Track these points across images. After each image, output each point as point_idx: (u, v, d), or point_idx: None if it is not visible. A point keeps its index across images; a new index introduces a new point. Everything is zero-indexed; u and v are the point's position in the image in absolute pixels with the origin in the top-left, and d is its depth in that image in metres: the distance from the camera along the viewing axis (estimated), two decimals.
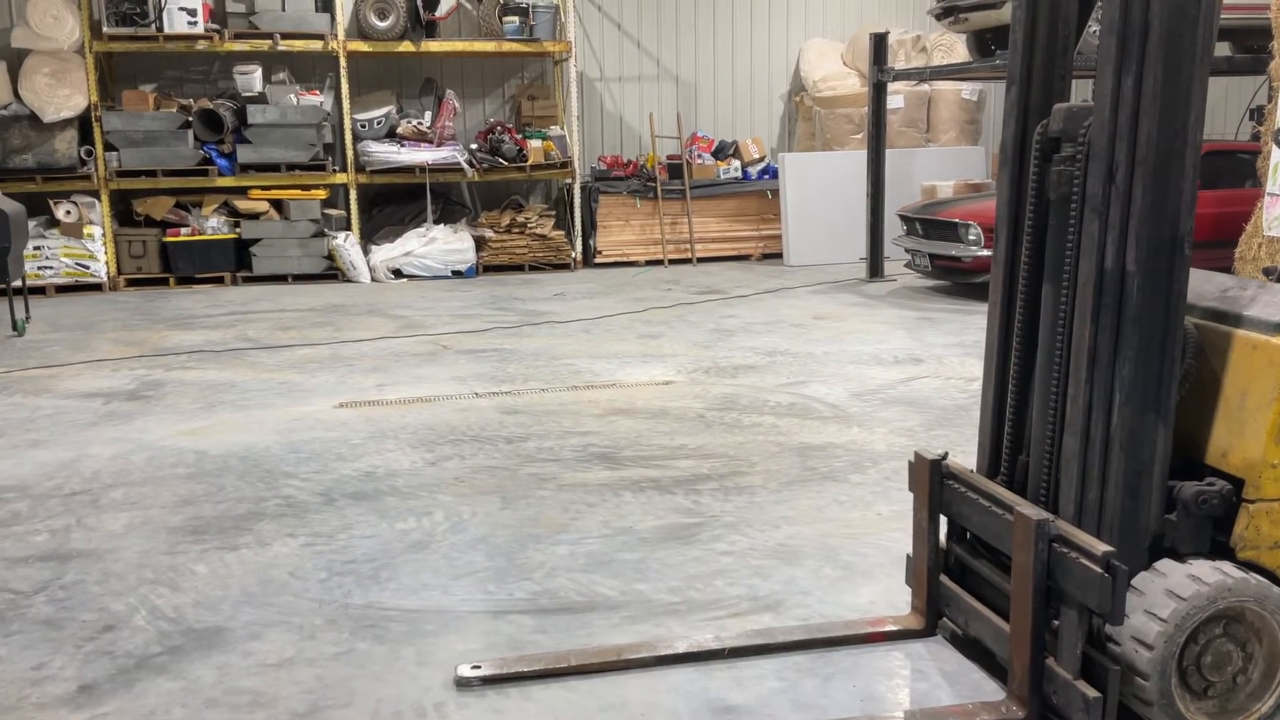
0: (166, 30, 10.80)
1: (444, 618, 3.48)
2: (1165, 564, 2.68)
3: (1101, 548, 2.57)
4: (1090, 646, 2.68)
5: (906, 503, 3.51)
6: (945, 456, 3.19)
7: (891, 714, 2.91)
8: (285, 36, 11.22)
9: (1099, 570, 2.54)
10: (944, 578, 3.25)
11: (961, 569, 3.25)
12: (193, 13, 10.81)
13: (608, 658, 3.16)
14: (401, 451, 5.32)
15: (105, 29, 10.71)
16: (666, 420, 5.85)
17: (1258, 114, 9.74)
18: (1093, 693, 2.60)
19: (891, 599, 3.56)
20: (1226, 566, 2.63)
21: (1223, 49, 10.02)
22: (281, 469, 5.07)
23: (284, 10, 11.24)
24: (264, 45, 11.21)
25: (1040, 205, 2.99)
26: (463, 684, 3.05)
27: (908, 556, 3.36)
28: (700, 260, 12.59)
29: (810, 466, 5.01)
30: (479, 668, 3.10)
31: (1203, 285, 2.97)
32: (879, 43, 10.63)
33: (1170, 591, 2.59)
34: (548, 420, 5.86)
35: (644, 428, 5.70)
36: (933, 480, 3.18)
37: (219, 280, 11.31)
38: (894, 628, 3.31)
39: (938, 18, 10.34)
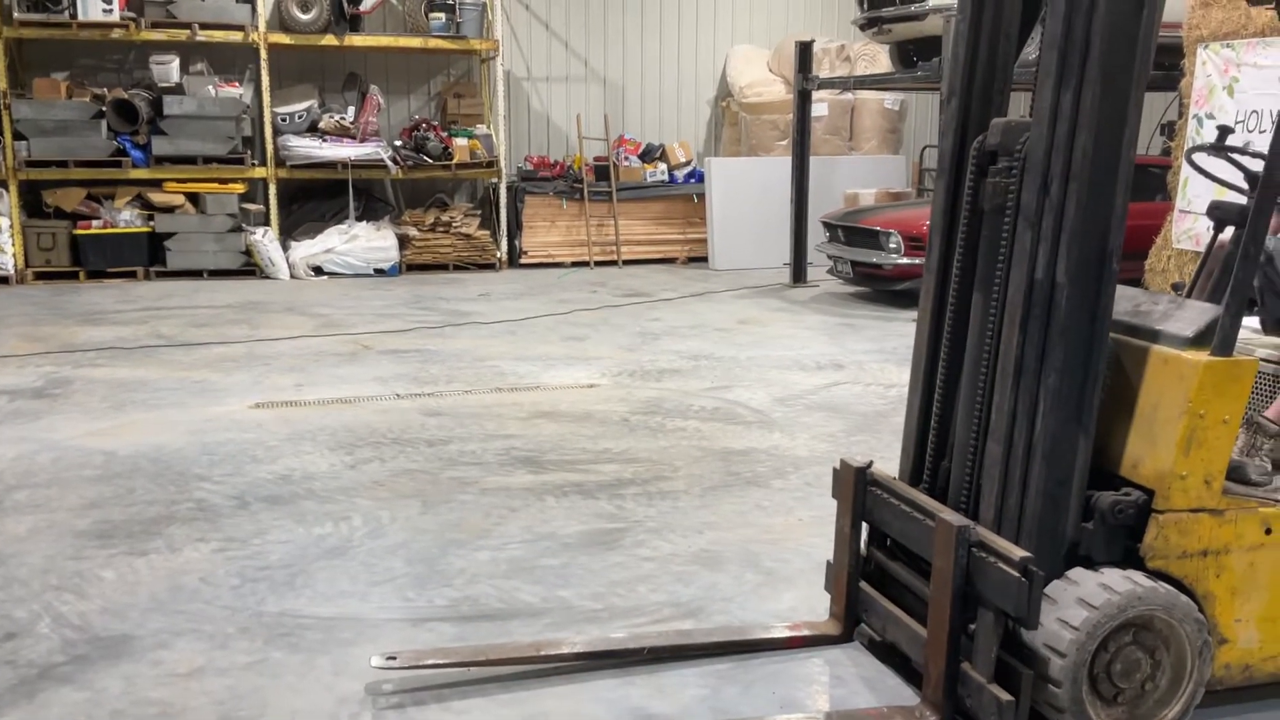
0: (81, 17, 10.46)
1: (361, 626, 3.41)
2: (1078, 572, 2.73)
3: (1019, 553, 2.61)
4: (1004, 651, 2.72)
5: (828, 508, 3.53)
6: (870, 465, 3.22)
7: (811, 717, 2.93)
8: (204, 27, 10.95)
9: (1016, 575, 2.58)
10: (863, 584, 3.27)
11: (881, 575, 3.28)
12: (108, 0, 10.50)
13: (525, 653, 3.14)
14: (319, 454, 5.22)
15: (16, 14, 10.35)
16: (590, 424, 5.82)
17: (1168, 129, 10.03)
18: (1006, 696, 2.64)
19: (812, 605, 3.58)
20: (1137, 575, 2.69)
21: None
22: (194, 471, 4.94)
23: (203, 0, 10.98)
24: (182, 35, 10.93)
25: (974, 216, 3.03)
26: (373, 691, 2.99)
27: (828, 562, 3.38)
28: (626, 263, 12.58)
29: (733, 471, 5.03)
30: (394, 658, 3.06)
31: (1119, 299, 3.03)
32: (804, 51, 10.73)
33: (1082, 600, 2.64)
34: (471, 423, 5.80)
35: (568, 431, 5.67)
36: (857, 487, 3.20)
37: (132, 275, 10.99)
38: (812, 633, 3.33)
39: (862, 28, 10.47)
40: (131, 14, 10.83)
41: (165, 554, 3.99)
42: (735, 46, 13.63)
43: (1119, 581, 2.66)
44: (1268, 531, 2.78)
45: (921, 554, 2.95)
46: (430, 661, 3.08)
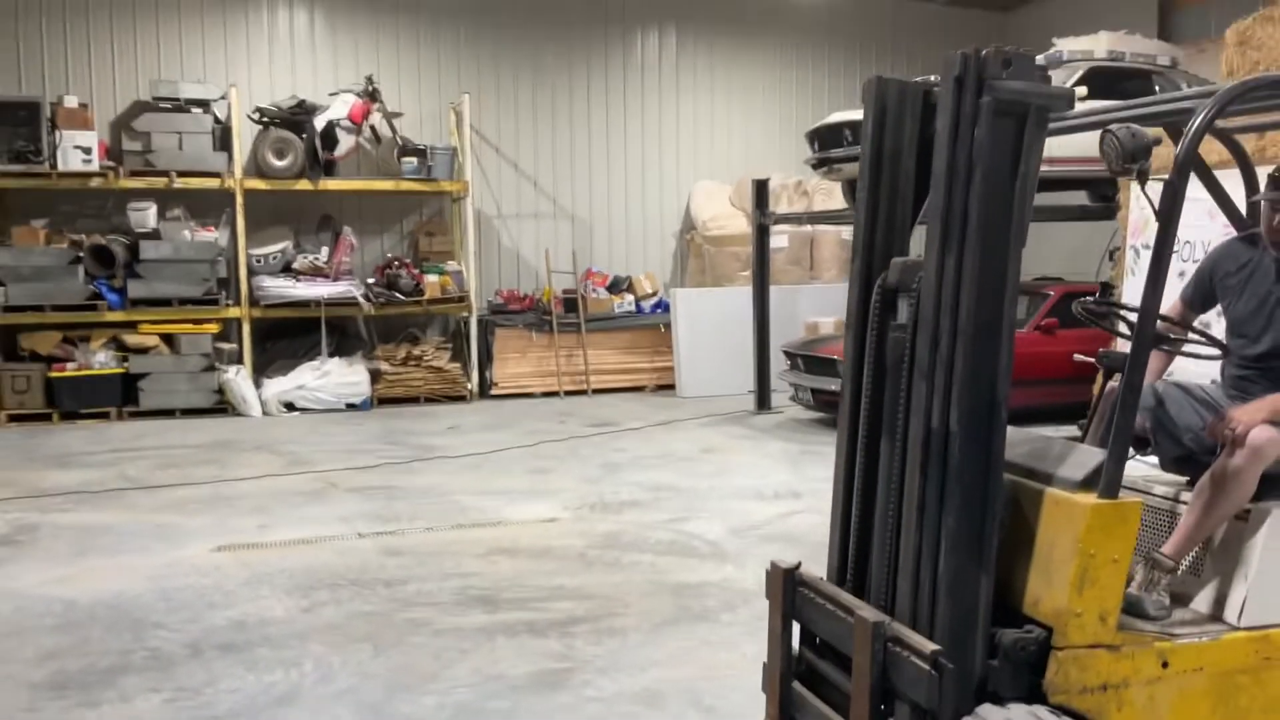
0: (60, 168, 10.84)
1: None
2: (985, 708, 2.83)
3: (930, 647, 2.73)
4: None
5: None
6: (799, 566, 3.35)
7: None
8: (182, 174, 11.33)
9: (927, 668, 2.70)
10: (796, 684, 3.35)
11: (812, 674, 3.36)
12: (88, 150, 10.89)
13: None
14: (276, 598, 5.30)
15: None
16: (548, 560, 5.92)
17: (1114, 255, 10.42)
18: None
19: None
20: (1042, 711, 2.80)
21: (1081, 197, 10.74)
22: (151, 619, 5.00)
23: (181, 149, 11.38)
24: (160, 183, 11.30)
25: (879, 366, 3.22)
26: None
27: (764, 664, 3.47)
28: (596, 391, 12.79)
29: (684, 605, 5.13)
30: None
31: (1019, 443, 3.21)
32: (760, 188, 11.16)
33: None
34: (430, 561, 5.90)
35: (525, 568, 5.77)
36: (786, 588, 3.32)
37: (105, 415, 11.11)
38: None
39: (814, 167, 10.91)
40: (111, 163, 11.21)
41: (117, 704, 4.04)
42: (698, 182, 14.12)
43: (1023, 717, 2.77)
44: (1164, 665, 2.90)
45: (845, 651, 3.05)
46: None
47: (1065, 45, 10.57)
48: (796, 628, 3.33)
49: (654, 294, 13.38)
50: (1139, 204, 8.64)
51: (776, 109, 14.61)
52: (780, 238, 12.65)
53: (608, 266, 13.74)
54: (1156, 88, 10.21)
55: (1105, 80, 9.99)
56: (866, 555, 3.25)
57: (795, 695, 3.33)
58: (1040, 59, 10.05)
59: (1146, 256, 8.73)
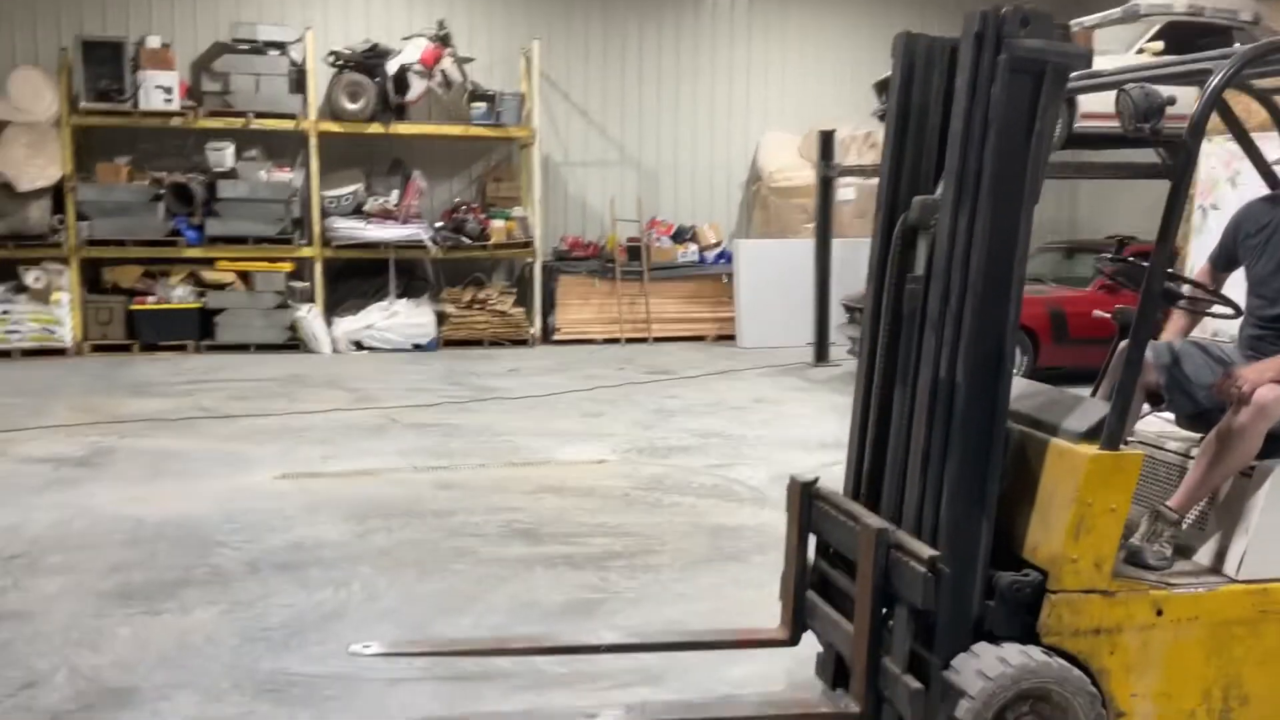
0: (142, 106, 11.20)
1: (343, 684, 3.72)
2: (980, 646, 2.96)
3: (928, 552, 2.89)
4: (919, 645, 2.97)
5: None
6: (816, 480, 3.50)
7: (744, 699, 3.18)
8: (259, 115, 11.65)
9: (924, 571, 2.86)
10: (810, 593, 3.52)
11: (825, 584, 3.52)
12: (169, 90, 11.23)
13: (488, 646, 3.66)
14: (332, 523, 5.57)
15: (83, 104, 11.11)
16: (592, 499, 6.12)
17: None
18: (916, 685, 2.89)
19: (765, 674, 3.81)
20: (1033, 650, 2.92)
21: (1154, 155, 10.54)
22: (214, 538, 5.31)
23: (258, 90, 11.68)
24: (237, 123, 11.63)
25: (896, 314, 3.33)
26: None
27: (782, 575, 3.63)
28: (657, 340, 12.95)
29: (718, 547, 5.29)
30: (369, 646, 3.49)
31: (1030, 395, 3.30)
32: (826, 140, 11.13)
33: (980, 671, 2.88)
34: (479, 496, 6.13)
35: (569, 505, 5.98)
36: (803, 501, 3.48)
37: (182, 348, 11.56)
38: (761, 637, 3.60)
39: (880, 119, 10.82)
40: (191, 103, 11.56)
41: (177, 614, 4.34)
42: (767, 133, 14.08)
43: (1015, 655, 2.89)
44: (1159, 613, 3.00)
45: (853, 558, 3.21)
46: (401, 650, 3.53)
47: None
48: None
49: (718, 244, 13.44)
50: (1208, 164, 8.50)
51: (849, 59, 14.44)
52: (848, 190, 12.60)
53: (673, 216, 13.82)
54: (1237, 44, 9.94)
55: (1184, 35, 9.76)
56: (879, 487, 3.39)
57: (808, 603, 3.49)
58: (1117, 12, 9.90)
59: (1214, 216, 8.64)
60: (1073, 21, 10.61)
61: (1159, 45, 9.48)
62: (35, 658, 3.91)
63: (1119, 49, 9.68)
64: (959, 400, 2.96)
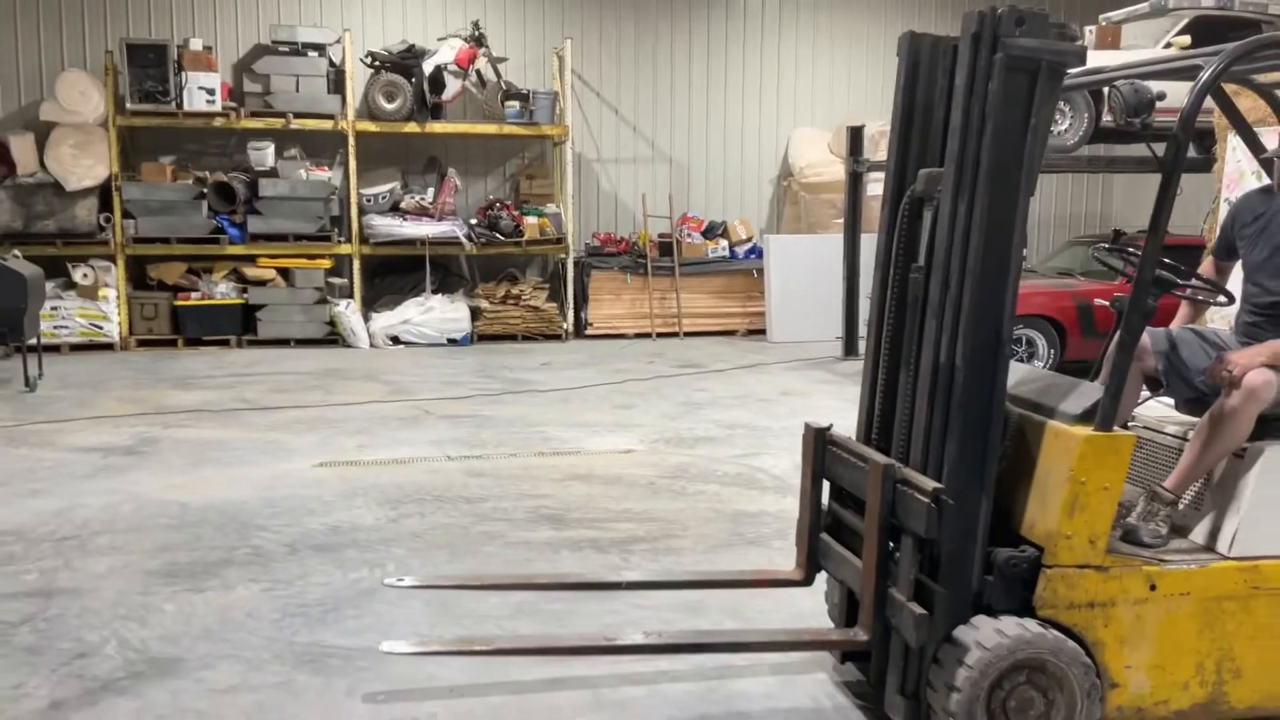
0: (186, 107, 11.50)
1: (377, 656, 3.89)
2: (979, 619, 3.10)
3: (931, 485, 3.05)
4: (923, 575, 3.13)
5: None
6: (830, 427, 3.65)
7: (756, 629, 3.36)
8: (298, 116, 11.92)
9: (927, 502, 3.02)
10: (824, 535, 3.67)
11: (838, 526, 3.68)
12: (211, 91, 11.52)
13: (516, 580, 3.90)
14: (368, 508, 5.78)
15: (129, 105, 11.43)
16: (619, 486, 6.29)
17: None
18: (920, 610, 3.05)
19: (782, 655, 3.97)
20: (1029, 623, 3.06)
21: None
22: (255, 522, 5.53)
23: (298, 91, 11.95)
24: (278, 123, 11.91)
25: (901, 303, 3.48)
26: (369, 700, 3.49)
27: (797, 518, 3.78)
28: (687, 334, 13.10)
29: (739, 532, 5.44)
30: (403, 579, 3.85)
31: (1031, 380, 3.43)
32: (855, 135, 11.23)
33: (977, 642, 3.02)
34: (509, 483, 6.32)
35: (596, 493, 6.15)
36: (817, 446, 3.64)
37: (225, 343, 11.87)
38: (777, 577, 3.78)
39: None
40: (232, 104, 11.86)
41: (220, 591, 4.56)
42: (797, 128, 14.19)
43: (1011, 627, 3.03)
44: (1152, 588, 3.12)
45: (862, 496, 3.36)
46: (434, 583, 3.92)
47: None
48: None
49: (749, 239, 13.57)
50: (1234, 157, 8.53)
51: (880, 56, 14.51)
52: (878, 185, 12.66)
53: (704, 211, 13.96)
54: None
55: (1212, 29, 9.77)
56: (888, 440, 3.54)
57: (821, 544, 3.65)
58: (1145, 6, 9.93)
59: None
60: (1101, 16, 10.66)
61: (1186, 40, 9.51)
62: (86, 631, 4.13)
63: (1147, 43, 9.72)
64: (958, 382, 3.10)
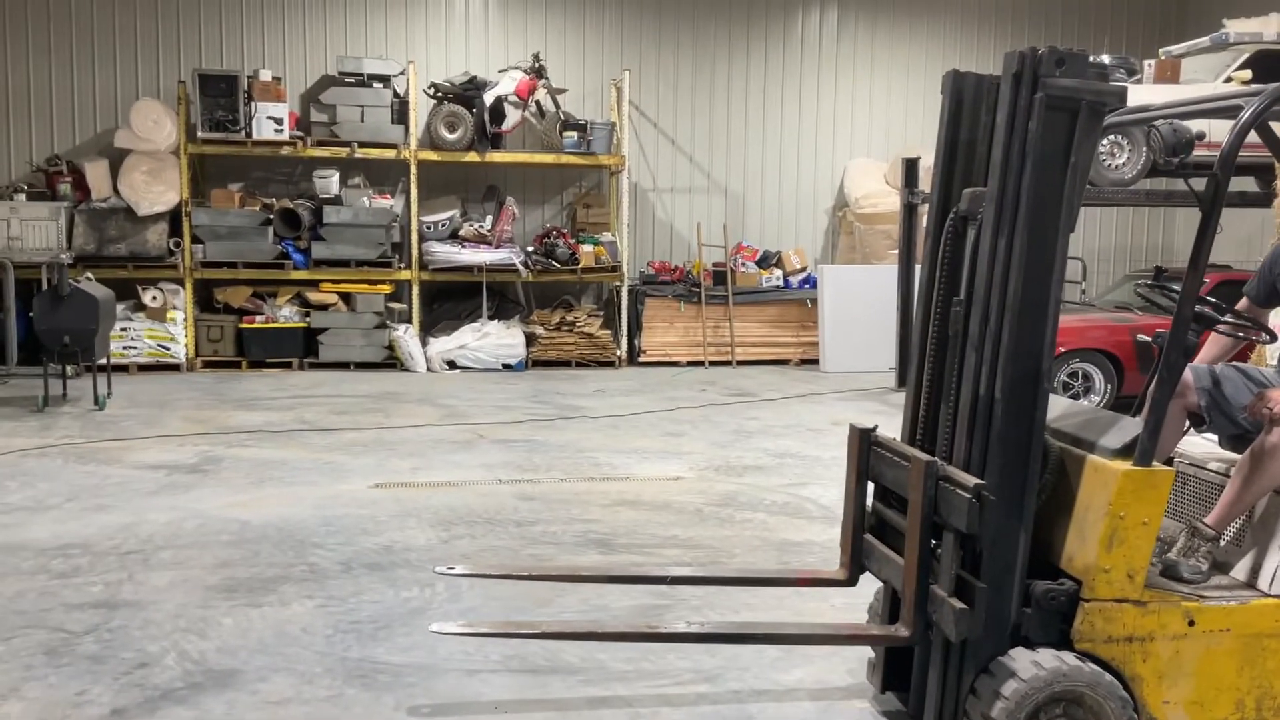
0: (255, 136, 11.85)
1: (425, 673, 4.02)
2: (1017, 651, 3.13)
3: (973, 481, 3.08)
4: (964, 571, 3.16)
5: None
6: (875, 428, 3.70)
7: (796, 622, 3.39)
8: (362, 145, 12.22)
9: (969, 498, 3.05)
10: (868, 535, 3.70)
11: (882, 526, 3.71)
12: (279, 121, 11.86)
13: (561, 573, 4.01)
14: (420, 529, 5.91)
15: (200, 134, 11.79)
16: (666, 513, 6.36)
17: None
18: (961, 605, 3.08)
19: (821, 679, 4.01)
20: (1066, 655, 3.08)
21: (1248, 183, 10.48)
22: (312, 540, 5.68)
23: (363, 121, 12.25)
24: (343, 152, 12.21)
25: (941, 335, 3.53)
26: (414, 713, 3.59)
27: (842, 519, 3.81)
28: (740, 363, 13.16)
29: (784, 560, 5.47)
30: (453, 568, 3.91)
31: (1072, 414, 3.46)
32: (910, 167, 11.26)
33: (1015, 674, 3.05)
34: (558, 508, 6.42)
35: (644, 518, 6.23)
36: (862, 447, 3.68)
37: (287, 365, 12.15)
38: (822, 577, 3.83)
39: None
40: (299, 133, 12.19)
41: (276, 607, 4.70)
42: (853, 159, 14.24)
43: (1048, 659, 3.05)
44: (1191, 623, 3.13)
45: (905, 495, 3.39)
46: (481, 573, 4.05)
47: (1234, 27, 10.26)
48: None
49: (803, 269, 13.62)
50: None
51: (937, 88, 14.42)
52: None
53: (758, 241, 14.04)
54: None
55: (1274, 64, 9.69)
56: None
57: (865, 544, 3.68)
58: (1206, 40, 9.88)
59: None
60: (1161, 50, 10.61)
61: (1247, 74, 9.44)
62: (147, 642, 4.29)
63: (1207, 77, 9.66)
64: (997, 416, 3.14)
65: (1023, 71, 3.13)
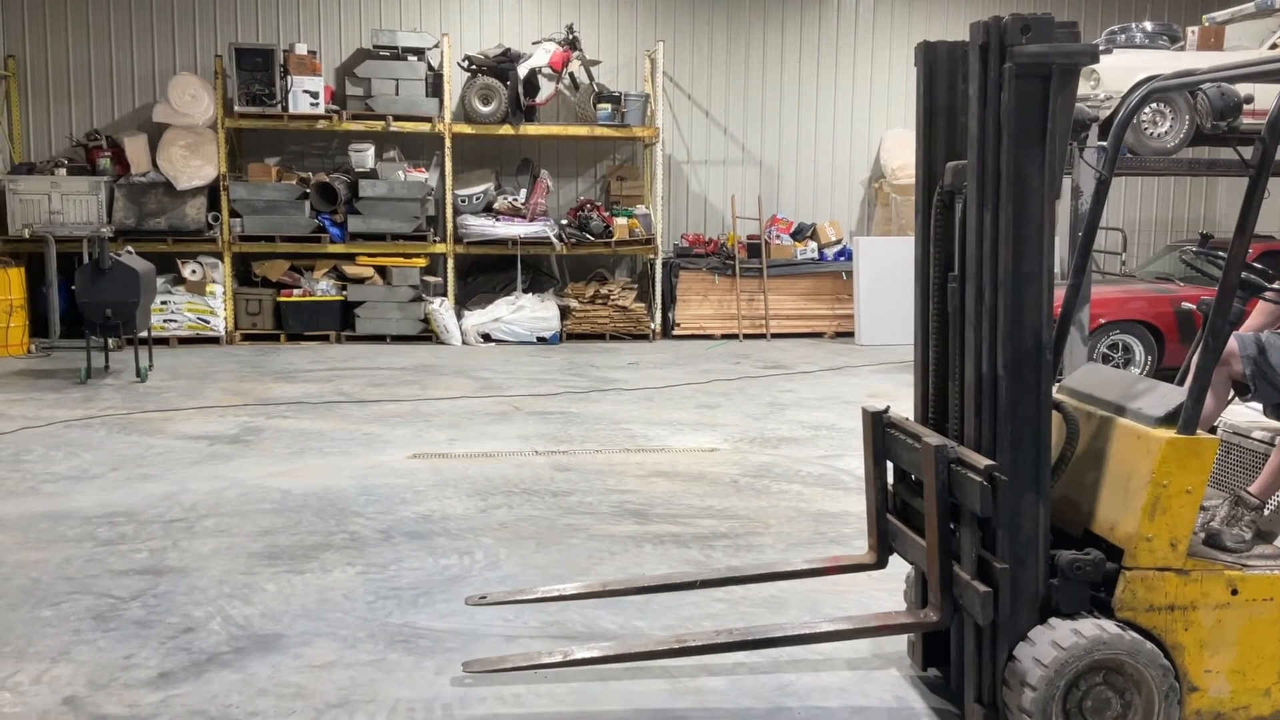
0: (291, 110, 11.91)
1: (465, 638, 4.07)
2: (1055, 621, 3.12)
3: (984, 463, 3.06)
4: (985, 551, 3.15)
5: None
6: (888, 409, 3.69)
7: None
8: (397, 119, 12.25)
9: (981, 480, 3.04)
10: (891, 516, 3.71)
11: (905, 509, 3.71)
12: (315, 95, 11.90)
13: (592, 590, 3.94)
14: (458, 499, 5.96)
15: (236, 108, 11.86)
16: (701, 484, 6.38)
17: None
18: (984, 588, 3.07)
19: (856, 646, 4.02)
20: (1106, 624, 3.06)
21: None
22: (352, 509, 5.75)
23: (397, 95, 12.28)
24: (378, 126, 12.25)
25: (942, 316, 3.52)
26: (458, 683, 3.63)
27: (865, 502, 3.82)
28: (774, 336, 13.12)
29: (820, 531, 5.49)
30: (484, 596, 4.00)
31: (1113, 382, 3.43)
32: None
33: (1054, 642, 3.04)
34: (594, 478, 6.45)
35: (679, 489, 6.25)
36: (876, 429, 3.68)
37: (325, 338, 12.25)
38: (851, 562, 3.84)
39: None
40: (335, 107, 12.23)
41: (318, 573, 4.76)
42: (889, 130, 14.10)
43: (1088, 628, 3.04)
44: (1234, 592, 3.10)
45: (920, 477, 3.39)
46: (513, 598, 4.00)
47: None
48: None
49: (838, 241, 13.53)
50: None
51: None
52: None
53: (793, 213, 13.97)
54: None
55: None
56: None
57: (890, 526, 3.68)
58: (1250, 6, 9.69)
59: None
60: (1204, 16, 10.41)
61: None
62: (192, 607, 4.36)
63: (1252, 44, 9.47)
64: (1002, 391, 3.10)
65: (989, 42, 3.07)
